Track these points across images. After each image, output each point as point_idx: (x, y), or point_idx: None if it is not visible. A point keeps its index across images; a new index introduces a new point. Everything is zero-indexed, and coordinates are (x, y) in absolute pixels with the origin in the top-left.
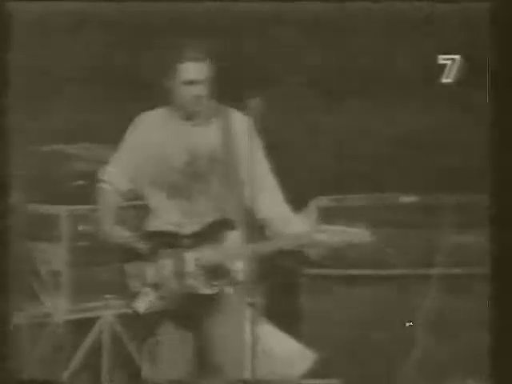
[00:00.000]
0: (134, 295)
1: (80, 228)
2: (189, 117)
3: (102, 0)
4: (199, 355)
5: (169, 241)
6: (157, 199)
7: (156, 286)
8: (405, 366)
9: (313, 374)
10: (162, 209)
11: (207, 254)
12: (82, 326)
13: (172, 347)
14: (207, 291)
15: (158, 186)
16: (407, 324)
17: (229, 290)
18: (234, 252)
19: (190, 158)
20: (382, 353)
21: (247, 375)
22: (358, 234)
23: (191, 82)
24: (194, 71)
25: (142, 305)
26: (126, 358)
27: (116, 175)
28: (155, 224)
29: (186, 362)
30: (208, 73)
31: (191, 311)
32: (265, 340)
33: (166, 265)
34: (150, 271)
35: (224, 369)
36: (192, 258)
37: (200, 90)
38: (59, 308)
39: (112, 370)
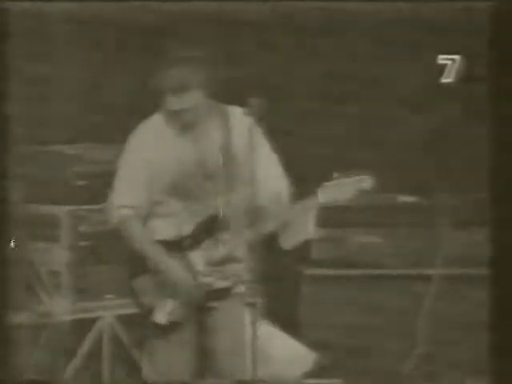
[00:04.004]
0: (151, 310)
1: (80, 228)
2: (184, 124)
3: (101, 0)
4: (199, 355)
5: (172, 246)
6: (167, 205)
7: (171, 295)
8: (405, 366)
9: (313, 373)
10: (172, 214)
11: (211, 248)
12: (82, 327)
13: (173, 347)
14: (222, 284)
15: (168, 192)
16: None
17: (240, 281)
18: (238, 238)
19: (198, 160)
20: (382, 352)
21: (248, 376)
22: (361, 181)
23: (179, 111)
24: (179, 103)
25: (163, 316)
26: (127, 358)
27: (131, 196)
28: (161, 231)
29: (187, 363)
30: (197, 99)
31: (206, 309)
32: (265, 340)
33: (175, 271)
34: (160, 282)
35: (224, 369)
36: (199, 257)
37: (189, 117)
38: (59, 308)
39: (112, 371)
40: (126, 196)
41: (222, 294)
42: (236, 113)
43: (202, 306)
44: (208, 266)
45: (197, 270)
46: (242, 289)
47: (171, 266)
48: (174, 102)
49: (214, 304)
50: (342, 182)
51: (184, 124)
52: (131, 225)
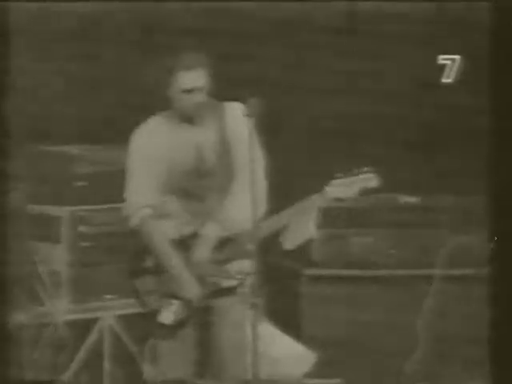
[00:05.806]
0: (155, 309)
1: (81, 229)
2: (188, 120)
3: (102, 0)
4: (201, 355)
5: (176, 246)
6: (168, 204)
7: (175, 295)
8: (405, 367)
9: (313, 373)
10: (174, 214)
11: (216, 249)
12: (83, 327)
13: (173, 347)
14: (230, 283)
15: (169, 191)
16: None
17: (243, 280)
18: (242, 237)
19: (196, 158)
20: (382, 353)
21: (248, 376)
22: (367, 179)
23: (190, 91)
24: (192, 80)
25: (169, 316)
26: (127, 358)
27: (149, 196)
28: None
29: (188, 363)
30: (207, 79)
31: (208, 309)
32: (266, 340)
33: (180, 271)
34: (164, 282)
35: (225, 369)
36: (204, 256)
37: (200, 97)
38: (60, 308)
39: (113, 371)
40: (144, 196)
41: (226, 293)
42: (233, 108)
43: (205, 306)
44: (212, 265)
45: (201, 269)
46: (245, 289)
47: (179, 267)
48: (186, 80)
49: (217, 303)
50: (348, 180)
51: (189, 111)
52: (151, 224)
